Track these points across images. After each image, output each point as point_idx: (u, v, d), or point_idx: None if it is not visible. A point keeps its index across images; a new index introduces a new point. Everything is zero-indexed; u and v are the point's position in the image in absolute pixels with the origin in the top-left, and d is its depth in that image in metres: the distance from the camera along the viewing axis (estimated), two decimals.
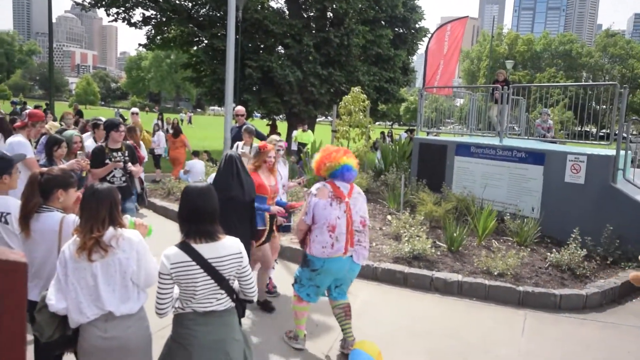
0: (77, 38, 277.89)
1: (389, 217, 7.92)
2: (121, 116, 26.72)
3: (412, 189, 8.90)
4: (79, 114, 16.33)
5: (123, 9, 21.35)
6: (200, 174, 10.40)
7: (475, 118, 11.11)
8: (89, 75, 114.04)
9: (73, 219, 2.90)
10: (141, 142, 8.12)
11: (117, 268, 2.52)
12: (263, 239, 4.90)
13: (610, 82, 7.24)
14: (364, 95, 11.54)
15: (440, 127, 11.65)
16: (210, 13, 21.41)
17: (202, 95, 30.10)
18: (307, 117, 20.86)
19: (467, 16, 14.95)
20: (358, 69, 20.69)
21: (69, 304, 2.49)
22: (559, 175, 7.38)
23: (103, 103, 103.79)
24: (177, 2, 21.26)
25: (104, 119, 8.55)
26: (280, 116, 26.30)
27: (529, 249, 6.75)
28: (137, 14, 34.29)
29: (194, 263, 2.53)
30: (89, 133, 7.73)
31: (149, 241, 2.73)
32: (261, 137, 8.46)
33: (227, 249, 2.63)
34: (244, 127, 7.59)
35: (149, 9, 21.74)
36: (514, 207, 7.79)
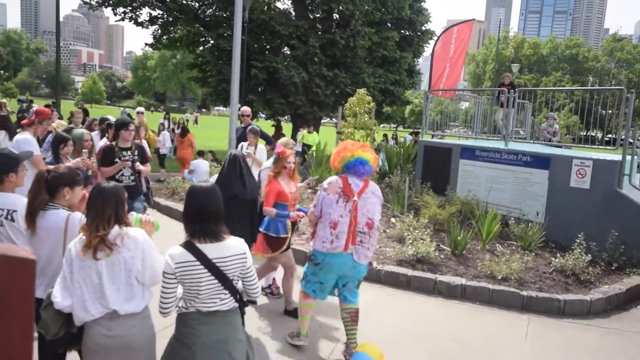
0: (84, 37, 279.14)
1: (392, 219, 7.91)
2: (129, 115, 26.85)
3: (416, 191, 8.88)
4: (85, 112, 16.41)
5: (130, 8, 21.46)
6: (204, 173, 10.42)
7: (480, 121, 11.09)
8: (95, 74, 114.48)
9: (79, 217, 2.91)
10: (144, 141, 8.14)
11: (122, 267, 2.53)
12: (285, 246, 4.82)
13: (617, 87, 7.19)
14: (370, 97, 11.54)
15: (445, 130, 11.63)
16: (217, 13, 21.48)
17: (207, 96, 30.15)
18: (312, 119, 20.88)
19: (474, 19, 14.93)
20: (363, 70, 20.70)
21: (74, 301, 2.50)
22: (564, 179, 7.35)
23: (109, 102, 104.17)
24: (184, 2, 21.34)
25: (111, 118, 8.59)
26: (285, 117, 26.33)
27: (533, 254, 6.72)
28: (144, 14, 34.51)
29: (198, 263, 2.54)
30: (96, 132, 7.77)
31: (153, 240, 2.74)
32: (266, 138, 8.48)
33: (231, 249, 2.63)
34: (249, 127, 7.61)
35: (156, 9, 21.84)
36: (519, 211, 7.76)
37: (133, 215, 2.82)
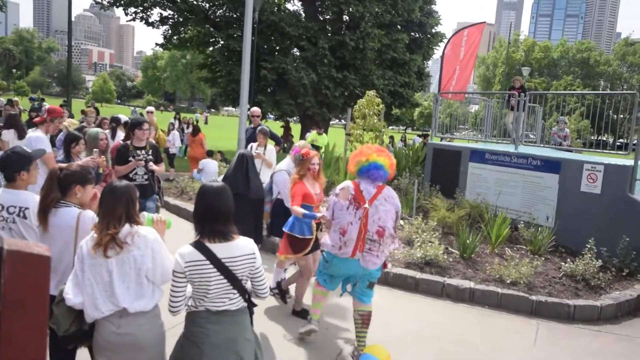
0: (95, 36, 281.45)
1: (401, 222, 7.89)
2: (141, 115, 27.02)
3: (425, 194, 8.85)
4: (96, 111, 16.50)
5: (141, 8, 21.62)
6: (213, 173, 10.44)
7: (490, 124, 11.04)
8: (105, 73, 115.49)
9: (90, 215, 2.93)
10: (152, 141, 8.17)
11: (132, 265, 2.54)
12: (309, 248, 4.77)
13: (629, 91, 7.13)
14: (379, 99, 11.52)
15: (455, 133, 11.59)
16: (227, 14, 21.58)
17: (216, 96, 30.31)
18: (321, 120, 20.90)
19: (484, 22, 14.87)
20: (373, 72, 20.69)
21: (85, 299, 2.51)
22: (574, 184, 7.29)
23: (119, 101, 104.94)
24: (195, 2, 21.47)
25: (123, 117, 8.65)
26: (294, 118, 26.37)
27: (543, 258, 6.68)
28: (155, 14, 34.66)
29: (207, 262, 2.54)
30: (106, 131, 7.82)
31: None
32: (275, 138, 8.49)
33: (240, 249, 2.63)
34: (259, 128, 7.61)
35: (167, 9, 21.99)
36: (528, 215, 7.71)
37: (145, 215, 2.83)
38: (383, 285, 5.98)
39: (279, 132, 19.88)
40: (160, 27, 22.86)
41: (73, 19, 17.87)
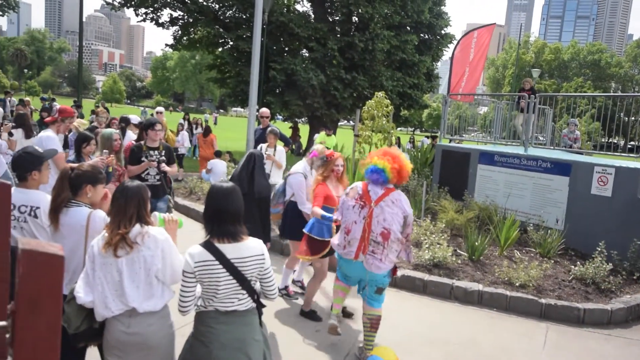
0: (106, 37, 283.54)
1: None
2: (151, 115, 27.18)
3: (433, 196, 8.83)
4: (106, 111, 16.64)
5: (151, 9, 21.76)
6: (222, 174, 10.47)
7: (499, 126, 10.98)
8: (115, 73, 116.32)
9: (101, 214, 2.95)
10: None
11: (141, 265, 2.55)
12: (327, 250, 4.71)
13: None
14: (388, 101, 11.50)
15: (463, 135, 11.54)
16: (237, 15, 21.66)
17: (225, 96, 30.39)
18: (330, 121, 20.91)
19: (494, 23, 14.79)
20: (382, 74, 20.66)
21: (95, 298, 2.54)
22: (585, 186, 7.23)
23: (128, 101, 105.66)
24: (204, 3, 21.56)
25: (133, 117, 8.71)
26: (303, 119, 26.38)
27: (552, 261, 6.63)
28: (165, 15, 34.95)
29: (217, 262, 2.55)
30: (117, 130, 7.88)
31: None
32: (284, 139, 8.49)
33: (250, 250, 2.64)
34: (269, 128, 7.59)
35: (177, 10, 22.11)
36: (538, 217, 7.66)
37: (156, 215, 2.85)
38: (391, 287, 5.96)
39: (287, 133, 19.90)
40: (170, 27, 23.01)
41: (84, 19, 18.00)
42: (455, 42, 19.79)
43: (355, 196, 3.96)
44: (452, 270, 6.22)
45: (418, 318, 5.27)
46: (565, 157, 8.11)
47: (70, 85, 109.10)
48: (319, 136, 16.68)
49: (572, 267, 6.36)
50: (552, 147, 10.24)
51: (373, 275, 3.97)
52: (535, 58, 66.68)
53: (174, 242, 2.70)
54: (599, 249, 6.27)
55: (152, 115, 23.21)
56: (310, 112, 21.21)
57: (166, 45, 24.79)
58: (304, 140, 23.61)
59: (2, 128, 7.23)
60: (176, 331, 2.79)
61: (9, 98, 18.41)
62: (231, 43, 21.69)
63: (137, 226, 2.58)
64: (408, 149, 18.39)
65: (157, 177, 5.66)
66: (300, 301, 5.40)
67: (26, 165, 3.23)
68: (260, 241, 2.74)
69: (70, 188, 2.97)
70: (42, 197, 3.21)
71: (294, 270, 5.70)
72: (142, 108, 53.50)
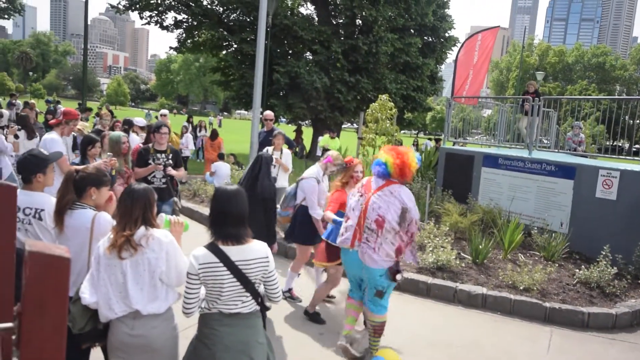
0: (110, 40, 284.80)
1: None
2: (156, 118, 27.27)
3: (437, 199, 8.82)
4: (110, 114, 16.70)
5: (156, 12, 21.85)
6: (225, 176, 10.49)
7: (503, 129, 10.96)
8: (120, 76, 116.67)
9: (105, 217, 2.96)
10: None
11: (145, 267, 2.56)
12: None
13: None
14: (392, 103, 11.50)
15: (467, 138, 11.53)
16: (241, 18, 21.72)
17: (229, 99, 30.46)
18: (333, 124, 20.91)
19: (499, 26, 14.78)
20: (385, 76, 20.66)
21: (100, 299, 2.55)
22: (589, 190, 7.21)
23: (133, 104, 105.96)
24: (209, 6, 21.64)
25: (138, 120, 8.75)
26: (306, 122, 26.40)
27: (557, 265, 6.60)
28: (170, 18, 35.06)
29: (221, 264, 2.56)
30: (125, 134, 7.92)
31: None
32: (289, 142, 8.49)
33: (254, 252, 2.65)
34: (277, 130, 7.53)
35: (181, 13, 22.20)
36: (542, 221, 7.64)
37: (162, 217, 2.86)
38: (394, 290, 5.94)
39: (291, 136, 19.91)
40: (175, 30, 23.09)
41: (89, 22, 18.10)
42: (459, 44, 19.75)
43: (359, 187, 4.07)
44: (455, 274, 6.20)
45: (421, 321, 5.26)
46: (569, 160, 8.09)
47: (75, 88, 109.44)
48: (323, 139, 16.70)
49: (577, 270, 6.33)
50: (556, 150, 10.22)
51: (369, 271, 3.91)
52: (539, 61, 66.54)
53: (178, 244, 2.71)
54: (604, 253, 6.25)
55: (156, 117, 23.22)
56: (314, 115, 21.23)
57: (170, 48, 24.88)
58: (307, 143, 23.62)
59: (8, 130, 7.26)
60: (180, 333, 2.80)
61: (14, 100, 18.51)
62: (235, 46, 21.74)
63: (142, 228, 2.59)
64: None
65: (163, 180, 5.70)
66: (303, 303, 5.40)
67: (31, 167, 3.25)
68: (265, 244, 2.74)
69: (75, 190, 2.98)
70: (46, 200, 3.22)
71: (299, 274, 5.69)
72: (147, 111, 53.70)
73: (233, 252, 2.60)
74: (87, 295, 2.55)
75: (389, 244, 3.83)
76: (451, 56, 23.98)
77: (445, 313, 5.53)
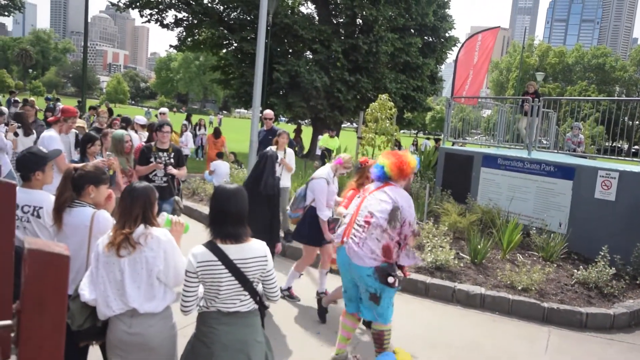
0: (110, 38, 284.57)
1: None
2: (156, 116, 27.25)
3: (436, 198, 8.82)
4: (110, 112, 16.70)
5: (156, 10, 21.83)
6: (224, 175, 10.49)
7: (503, 130, 10.97)
8: (119, 74, 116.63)
9: (104, 215, 2.96)
10: None
11: (143, 265, 2.56)
12: None
13: None
14: (391, 103, 11.51)
15: (467, 138, 11.53)
16: (241, 17, 21.71)
17: (229, 98, 30.45)
18: (333, 123, 20.91)
19: (499, 26, 14.79)
20: (385, 76, 20.65)
21: (98, 296, 2.55)
22: (588, 190, 7.22)
23: (132, 102, 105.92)
24: (209, 5, 21.62)
25: (139, 118, 8.74)
26: (306, 121, 26.39)
27: (555, 265, 6.61)
28: (170, 16, 34.96)
29: (219, 263, 2.56)
30: (128, 132, 7.91)
31: None
32: (289, 142, 8.46)
33: (252, 251, 2.65)
34: (281, 129, 7.51)
35: (182, 11, 22.18)
36: (541, 221, 7.65)
37: (164, 215, 2.87)
38: None
39: (291, 135, 19.89)
40: (175, 29, 23.07)
41: (89, 20, 18.08)
42: (459, 45, 19.76)
43: (362, 191, 4.13)
44: (454, 274, 6.21)
45: (420, 321, 5.27)
46: (568, 160, 8.10)
47: (75, 86, 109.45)
48: (322, 138, 16.70)
49: (575, 271, 6.35)
50: (555, 151, 10.22)
51: (356, 269, 3.77)
52: (539, 61, 66.54)
53: (177, 244, 2.71)
54: (602, 253, 6.25)
55: (156, 116, 23.27)
56: (313, 114, 21.23)
57: (170, 46, 24.86)
58: (305, 142, 23.61)
59: (8, 128, 7.26)
60: (178, 332, 2.80)
61: (14, 98, 18.50)
62: (235, 44, 21.72)
63: (141, 227, 2.59)
64: (411, 151, 18.40)
65: (164, 178, 5.71)
66: (302, 303, 5.41)
67: (30, 165, 3.24)
68: (264, 243, 2.74)
69: (73, 188, 2.98)
70: (45, 197, 3.22)
71: (301, 274, 5.66)
72: (146, 109, 53.63)
73: (231, 250, 2.60)
74: (87, 292, 2.56)
75: (374, 240, 3.71)
76: (451, 56, 23.99)
77: (444, 313, 5.54)
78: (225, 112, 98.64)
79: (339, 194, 5.56)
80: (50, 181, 3.40)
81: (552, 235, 7.12)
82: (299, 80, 19.13)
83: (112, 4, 21.61)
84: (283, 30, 20.11)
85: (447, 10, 23.66)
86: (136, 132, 8.30)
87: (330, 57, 19.96)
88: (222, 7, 22.00)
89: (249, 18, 21.10)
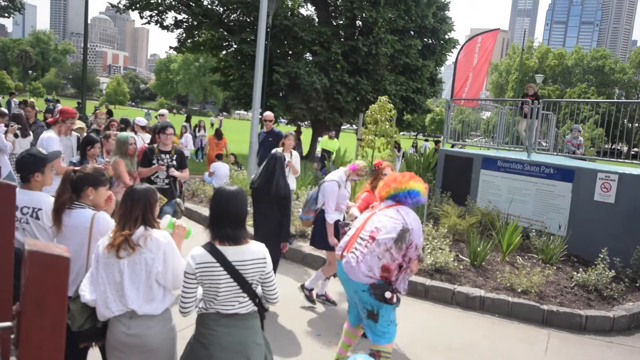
0: (110, 39, 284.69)
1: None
2: (156, 117, 27.24)
3: (436, 201, 8.82)
4: (109, 113, 16.70)
5: (156, 12, 21.82)
6: (224, 177, 10.49)
7: (502, 132, 10.97)
8: (119, 75, 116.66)
9: (104, 216, 2.97)
10: None
11: (142, 267, 2.56)
12: None
13: None
14: (391, 105, 11.51)
15: (466, 140, 11.53)
16: (241, 18, 21.71)
17: (228, 99, 30.46)
18: (332, 125, 20.90)
19: (498, 28, 14.81)
20: (385, 78, 20.65)
21: (97, 297, 2.55)
22: (588, 193, 7.22)
23: (132, 103, 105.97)
24: (209, 6, 21.63)
25: (140, 120, 8.73)
26: (306, 123, 26.40)
27: (555, 267, 6.61)
28: (170, 18, 35.06)
29: (217, 264, 2.56)
30: (132, 134, 7.90)
31: None
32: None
33: (252, 253, 2.65)
34: (288, 131, 7.49)
35: (181, 13, 22.18)
36: (540, 223, 7.65)
37: (168, 218, 2.86)
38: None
39: None
40: (175, 30, 23.06)
41: (89, 21, 18.09)
42: (459, 46, 19.78)
43: (374, 203, 3.96)
44: (453, 276, 6.21)
45: (419, 323, 5.26)
46: (568, 163, 8.11)
47: (75, 87, 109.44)
48: (322, 140, 16.71)
49: (575, 273, 6.35)
50: (555, 153, 10.23)
51: (353, 284, 3.61)
52: (538, 63, 66.63)
53: (178, 248, 2.71)
54: (602, 256, 6.26)
55: (156, 117, 23.25)
56: (313, 116, 21.21)
57: (170, 47, 24.85)
58: (305, 144, 23.61)
59: (8, 129, 7.26)
60: (178, 333, 2.80)
61: (13, 99, 18.50)
62: (235, 46, 21.72)
63: (141, 228, 2.59)
64: (411, 153, 18.40)
65: (166, 180, 5.72)
66: (302, 304, 5.41)
67: (29, 166, 3.25)
68: (263, 245, 2.74)
69: (72, 190, 2.99)
70: (44, 199, 3.22)
71: (327, 279, 5.60)
72: (146, 110, 53.66)
73: (230, 252, 2.60)
74: (87, 293, 2.56)
75: (375, 257, 3.50)
76: (451, 58, 24.01)
77: (443, 315, 5.54)
78: (225, 113, 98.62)
79: (350, 199, 5.56)
80: (50, 183, 3.40)
81: (551, 237, 7.12)
82: (299, 82, 19.12)
83: (112, 6, 21.61)
84: (283, 32, 20.11)
85: (446, 12, 23.67)
86: (136, 133, 8.30)
87: (330, 58, 19.95)
88: (222, 9, 22.00)
89: (248, 20, 21.11)
